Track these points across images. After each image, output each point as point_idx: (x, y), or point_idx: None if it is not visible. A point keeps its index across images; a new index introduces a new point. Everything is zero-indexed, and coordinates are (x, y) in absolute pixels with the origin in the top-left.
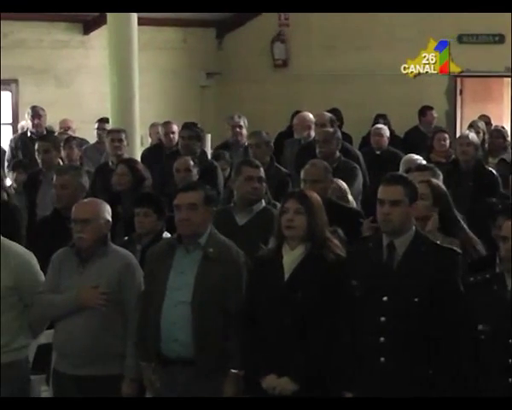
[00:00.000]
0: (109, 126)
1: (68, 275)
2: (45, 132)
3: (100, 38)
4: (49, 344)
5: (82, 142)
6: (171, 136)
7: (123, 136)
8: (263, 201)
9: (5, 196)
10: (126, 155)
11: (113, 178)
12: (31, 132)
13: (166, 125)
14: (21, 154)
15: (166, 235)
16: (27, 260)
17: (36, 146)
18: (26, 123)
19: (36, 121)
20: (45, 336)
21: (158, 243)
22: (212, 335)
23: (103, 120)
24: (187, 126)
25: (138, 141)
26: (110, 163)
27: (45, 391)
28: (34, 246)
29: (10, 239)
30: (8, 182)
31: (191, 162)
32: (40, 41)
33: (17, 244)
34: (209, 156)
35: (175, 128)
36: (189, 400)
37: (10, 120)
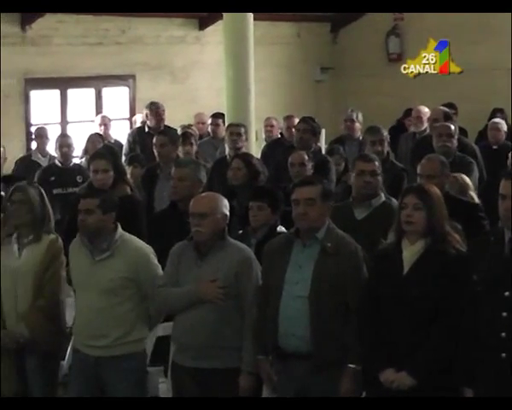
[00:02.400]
0: (221, 122)
1: (187, 269)
2: (163, 127)
3: (215, 33)
4: (167, 337)
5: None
6: (293, 130)
7: (242, 130)
8: (382, 195)
9: (128, 189)
10: (244, 150)
11: (228, 172)
12: (149, 127)
13: (288, 119)
14: (139, 148)
15: (281, 229)
16: (146, 253)
17: (154, 140)
18: (141, 117)
19: (155, 116)
20: (163, 329)
21: (272, 236)
22: (330, 329)
23: (217, 115)
24: (303, 120)
25: (253, 136)
26: (228, 157)
27: (163, 383)
28: (152, 239)
29: (132, 232)
30: None
31: (306, 157)
32: (157, 37)
33: (136, 238)
34: (323, 151)
35: (296, 122)
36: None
37: (127, 115)
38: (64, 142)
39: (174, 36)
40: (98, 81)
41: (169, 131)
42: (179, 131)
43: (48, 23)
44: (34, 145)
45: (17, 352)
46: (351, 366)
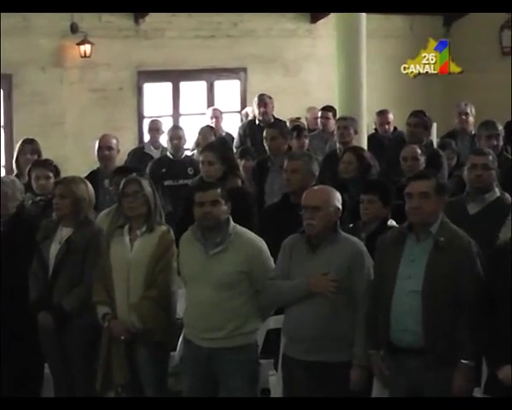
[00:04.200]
0: (331, 115)
1: (298, 261)
2: (273, 120)
3: (327, 26)
4: (277, 329)
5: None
6: (386, 126)
7: (350, 124)
8: (497, 190)
9: (239, 182)
10: (354, 143)
11: (339, 165)
12: (258, 120)
13: (382, 114)
14: (249, 141)
15: (392, 223)
16: (259, 246)
17: (264, 133)
18: (251, 110)
19: (263, 109)
20: (274, 321)
21: (383, 230)
22: (443, 324)
23: (327, 109)
24: (414, 114)
25: (365, 129)
26: (338, 151)
27: (273, 375)
28: (263, 232)
29: (243, 224)
30: None
31: (418, 151)
32: (269, 30)
33: (248, 231)
34: (435, 145)
35: (390, 117)
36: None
37: (239, 108)
38: (175, 134)
39: (286, 29)
40: (210, 74)
41: (279, 123)
42: (288, 124)
43: (160, 16)
44: (147, 137)
45: (128, 342)
46: (464, 361)
